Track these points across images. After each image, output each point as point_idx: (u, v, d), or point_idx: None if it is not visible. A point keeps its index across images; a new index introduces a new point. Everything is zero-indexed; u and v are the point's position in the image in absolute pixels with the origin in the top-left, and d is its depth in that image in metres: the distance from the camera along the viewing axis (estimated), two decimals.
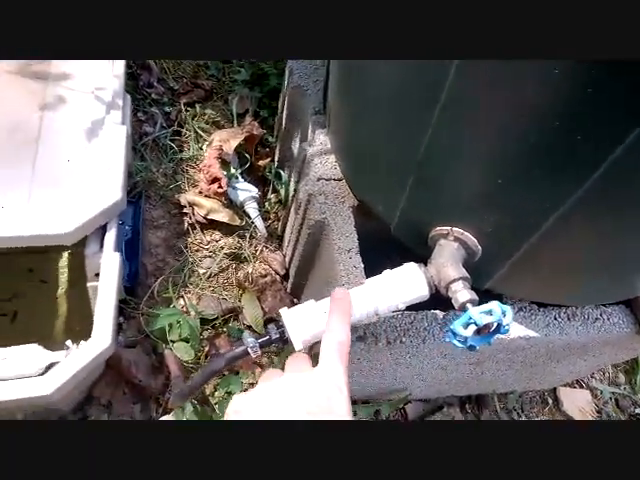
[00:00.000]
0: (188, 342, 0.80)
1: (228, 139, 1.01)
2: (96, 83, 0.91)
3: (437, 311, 0.70)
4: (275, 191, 1.06)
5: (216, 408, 0.78)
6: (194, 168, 1.07)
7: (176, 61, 1.22)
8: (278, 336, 0.55)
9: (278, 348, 0.88)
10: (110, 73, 0.93)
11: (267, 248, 1.00)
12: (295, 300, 0.96)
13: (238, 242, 0.99)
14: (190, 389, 0.57)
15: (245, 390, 0.82)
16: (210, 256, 0.96)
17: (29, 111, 0.86)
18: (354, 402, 0.91)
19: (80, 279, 1.10)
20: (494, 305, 0.53)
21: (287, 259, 0.98)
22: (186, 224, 0.97)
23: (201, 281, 0.93)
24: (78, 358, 0.63)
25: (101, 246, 0.77)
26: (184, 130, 1.11)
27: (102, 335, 0.65)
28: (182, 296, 0.89)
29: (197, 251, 0.96)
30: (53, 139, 0.83)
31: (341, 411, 0.38)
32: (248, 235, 1.00)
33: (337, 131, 0.76)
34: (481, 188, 0.54)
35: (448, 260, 0.57)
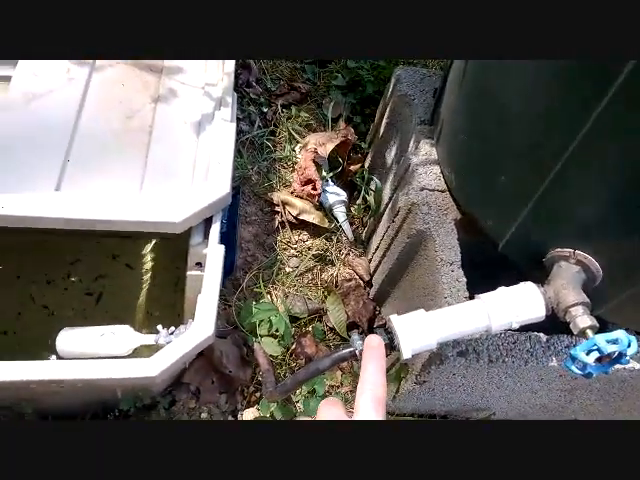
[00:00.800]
0: (275, 338, 0.81)
1: (324, 142, 1.02)
2: (207, 79, 0.95)
3: (540, 334, 0.68)
4: (362, 197, 1.06)
5: (299, 406, 0.79)
6: (286, 168, 1.09)
7: (274, 62, 1.26)
8: (387, 342, 0.55)
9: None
10: (221, 70, 0.96)
11: (352, 252, 1.00)
12: (378, 307, 0.96)
13: (325, 244, 1.00)
14: (292, 385, 0.58)
15: (328, 392, 0.82)
16: (297, 255, 0.98)
17: (143, 102, 0.90)
18: (433, 416, 0.89)
19: (167, 267, 1.14)
20: (620, 334, 0.51)
21: (372, 265, 0.98)
22: (277, 222, 0.99)
23: (287, 279, 0.94)
24: (182, 344, 0.65)
25: (204, 237, 0.79)
26: (278, 130, 1.14)
27: (205, 323, 0.67)
28: (270, 292, 0.90)
29: (285, 249, 0.98)
30: (165, 130, 0.87)
31: None
32: (335, 238, 1.01)
33: (449, 143, 0.75)
34: (617, 213, 0.52)
35: (569, 283, 0.56)
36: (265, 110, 1.17)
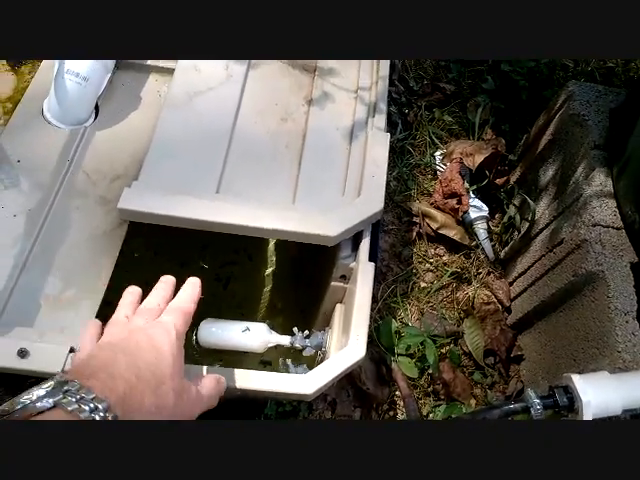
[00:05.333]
0: (412, 358, 0.80)
1: (472, 153, 0.97)
2: (360, 82, 0.92)
3: None
4: (507, 214, 1.00)
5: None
6: (424, 175, 1.05)
7: (417, 59, 1.20)
8: (567, 403, 0.52)
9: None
10: (375, 72, 0.93)
11: (492, 273, 0.95)
12: (518, 336, 0.90)
13: (462, 261, 0.96)
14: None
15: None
16: (432, 271, 0.95)
17: (297, 103, 0.89)
18: None
19: (289, 261, 1.16)
20: None
21: (513, 290, 0.93)
22: (414, 234, 0.96)
23: (422, 295, 0.91)
24: (337, 364, 0.64)
25: (352, 250, 0.78)
26: (418, 134, 1.10)
27: (359, 345, 0.66)
28: (405, 307, 0.88)
29: (420, 263, 0.95)
30: (318, 136, 0.85)
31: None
32: (474, 256, 0.96)
33: (636, 178, 0.68)
34: None
35: None
36: (406, 111, 1.13)
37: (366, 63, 0.94)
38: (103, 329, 0.53)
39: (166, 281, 0.59)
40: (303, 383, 0.63)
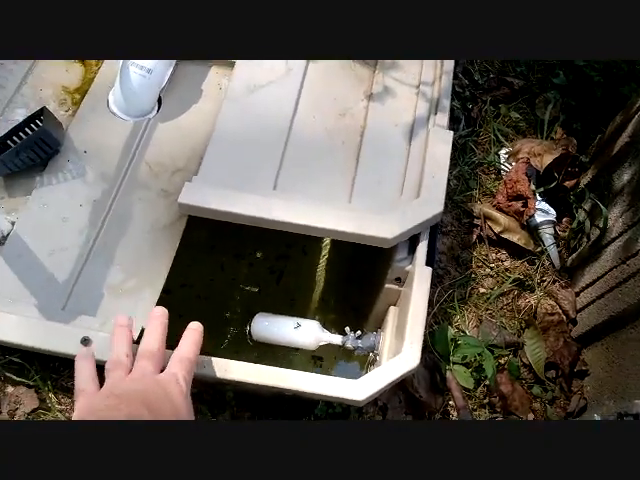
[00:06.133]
0: (468, 367, 0.77)
1: (540, 153, 0.91)
2: (423, 77, 0.88)
3: None
4: (576, 219, 0.94)
5: None
6: (487, 175, 1.01)
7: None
8: None
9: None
10: (439, 67, 0.89)
11: (557, 282, 0.90)
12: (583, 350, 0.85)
13: (526, 268, 0.91)
14: None
15: None
16: (492, 276, 0.90)
17: (356, 98, 0.87)
18: None
19: (342, 258, 1.14)
20: None
21: (580, 301, 0.87)
22: (474, 236, 0.93)
23: (481, 301, 0.88)
24: (390, 371, 0.63)
25: (408, 253, 0.76)
26: (482, 130, 1.05)
27: (413, 353, 0.64)
28: (462, 314, 0.85)
29: (480, 267, 0.91)
30: (376, 133, 0.83)
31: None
32: (538, 263, 0.91)
33: None
34: None
35: None
36: (469, 106, 1.08)
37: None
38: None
39: (158, 317, 0.60)
40: (355, 389, 0.62)
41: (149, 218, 0.74)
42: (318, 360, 1.00)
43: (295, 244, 1.13)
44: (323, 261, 1.14)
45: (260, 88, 0.85)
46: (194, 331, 0.60)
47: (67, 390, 0.71)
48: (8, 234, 0.69)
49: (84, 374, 0.54)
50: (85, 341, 0.59)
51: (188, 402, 0.52)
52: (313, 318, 0.86)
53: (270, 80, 0.87)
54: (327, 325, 0.85)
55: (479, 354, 0.75)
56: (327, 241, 1.14)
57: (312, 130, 0.83)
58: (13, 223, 0.70)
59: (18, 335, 0.61)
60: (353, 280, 1.07)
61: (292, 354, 0.96)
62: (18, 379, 0.70)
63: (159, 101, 0.85)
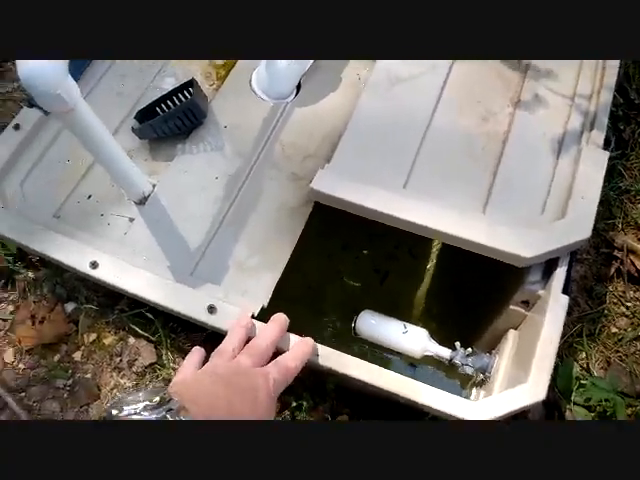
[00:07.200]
0: (591, 411, 0.70)
1: None
2: (579, 88, 0.81)
3: None
4: None
5: None
6: (633, 204, 0.91)
7: None
8: None
9: None
10: (598, 79, 0.81)
11: None
12: None
13: None
14: None
15: None
16: (628, 316, 0.82)
17: (502, 104, 0.82)
18: None
19: (450, 268, 1.09)
20: None
21: None
22: (613, 269, 0.84)
23: (611, 341, 0.79)
24: (511, 401, 0.58)
25: (542, 276, 0.70)
26: (634, 155, 0.95)
27: (540, 385, 0.59)
28: (589, 353, 0.78)
29: (615, 304, 0.83)
30: (521, 142, 0.77)
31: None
32: None
33: None
34: None
35: None
36: (622, 127, 0.98)
37: (588, 67, 0.83)
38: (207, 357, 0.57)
39: (277, 320, 0.60)
40: (472, 410, 0.58)
41: (278, 198, 0.74)
42: (413, 366, 0.97)
43: (403, 244, 1.10)
44: (431, 267, 1.09)
45: (402, 82, 0.83)
46: (305, 344, 0.60)
47: (182, 351, 0.74)
48: (149, 195, 0.72)
49: (234, 338, 0.57)
50: (211, 309, 0.60)
51: (271, 401, 0.52)
52: (416, 325, 0.83)
53: (413, 74, 0.84)
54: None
55: (607, 399, 0.67)
56: (437, 246, 1.09)
57: (451, 131, 0.79)
58: (154, 185, 0.73)
59: (150, 291, 0.64)
60: (463, 292, 1.02)
61: (391, 356, 0.93)
62: (141, 332, 0.74)
63: (298, 86, 0.85)
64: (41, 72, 0.48)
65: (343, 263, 1.08)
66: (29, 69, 0.48)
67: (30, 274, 0.84)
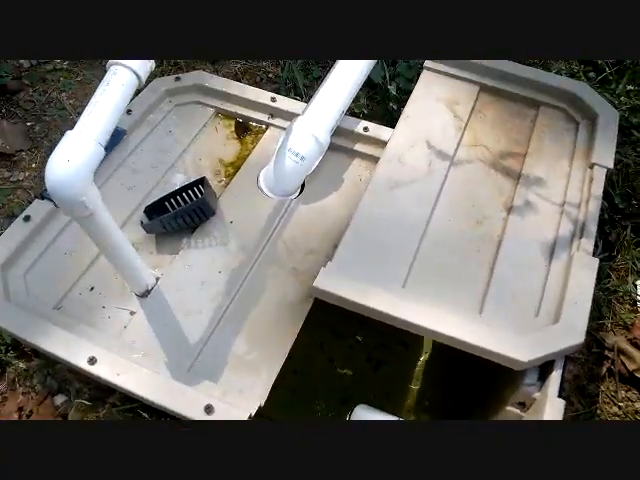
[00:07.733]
0: None
1: None
2: (568, 197, 0.86)
3: None
4: None
5: None
6: (621, 304, 0.94)
7: (625, 175, 1.11)
8: None
9: None
10: (586, 189, 0.86)
11: None
12: None
13: None
14: None
15: None
16: (619, 416, 0.82)
17: (495, 208, 0.86)
18: None
19: (443, 362, 1.09)
20: None
21: None
22: (604, 369, 0.85)
23: None
24: None
25: (538, 379, 0.71)
26: (620, 257, 0.99)
27: None
28: None
29: (607, 404, 0.83)
30: (513, 245, 0.80)
31: None
32: None
33: None
34: None
35: None
36: (608, 230, 1.03)
37: (576, 176, 0.88)
38: None
39: None
40: None
41: (278, 294, 0.76)
42: None
43: (397, 335, 1.11)
44: (424, 359, 1.10)
45: (401, 186, 0.87)
46: None
47: None
48: (152, 288, 0.74)
49: None
50: (208, 409, 0.60)
51: None
52: (407, 414, 0.82)
53: (412, 179, 0.88)
54: None
55: None
56: (430, 340, 1.10)
57: (447, 233, 0.83)
58: (157, 279, 0.75)
59: (146, 390, 0.64)
60: (454, 386, 1.02)
61: None
62: None
63: (302, 184, 0.90)
64: (69, 180, 0.51)
65: (336, 352, 1.08)
66: (57, 177, 0.51)
67: (21, 364, 0.82)
